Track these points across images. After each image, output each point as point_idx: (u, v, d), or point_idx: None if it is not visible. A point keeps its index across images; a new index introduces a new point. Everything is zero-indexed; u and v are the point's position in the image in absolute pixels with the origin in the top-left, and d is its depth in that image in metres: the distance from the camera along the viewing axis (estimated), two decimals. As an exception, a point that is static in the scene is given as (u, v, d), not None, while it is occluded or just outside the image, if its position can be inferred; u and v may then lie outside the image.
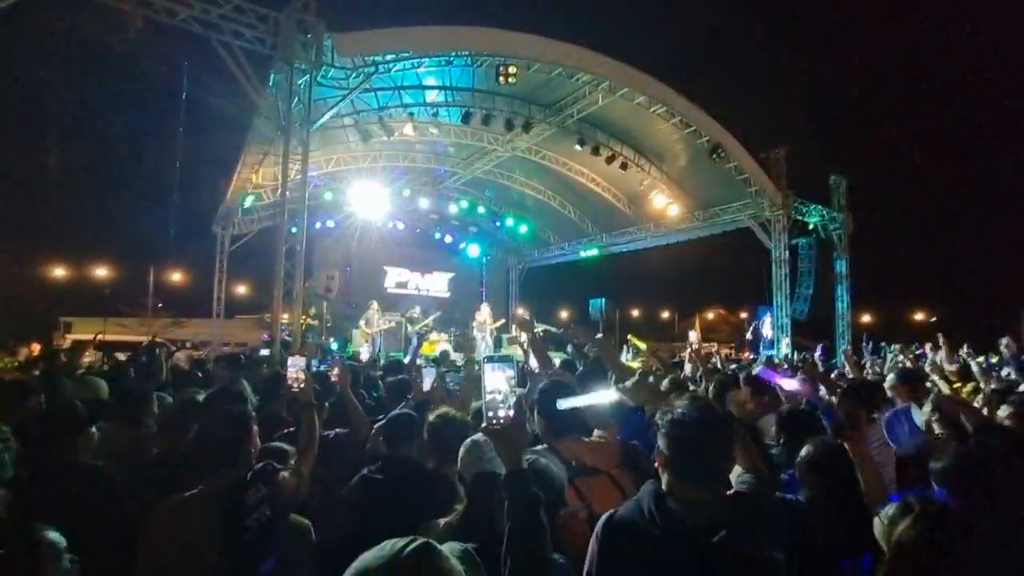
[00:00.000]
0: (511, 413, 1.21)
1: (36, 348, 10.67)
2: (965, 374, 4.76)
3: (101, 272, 22.65)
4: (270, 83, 8.99)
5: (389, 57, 9.63)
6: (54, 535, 1.33)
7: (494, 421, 1.21)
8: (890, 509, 1.43)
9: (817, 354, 7.44)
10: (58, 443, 2.21)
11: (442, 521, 1.52)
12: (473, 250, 20.77)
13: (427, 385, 3.24)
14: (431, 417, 2.16)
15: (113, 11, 6.97)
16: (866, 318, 27.14)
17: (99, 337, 7.97)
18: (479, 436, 1.62)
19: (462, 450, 1.67)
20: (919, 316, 32.93)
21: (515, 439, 1.21)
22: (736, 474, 1.41)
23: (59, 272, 22.85)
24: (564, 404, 1.56)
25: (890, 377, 3.65)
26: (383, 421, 2.26)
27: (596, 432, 2.04)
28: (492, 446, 1.32)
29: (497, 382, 1.24)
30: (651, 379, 3.80)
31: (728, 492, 1.35)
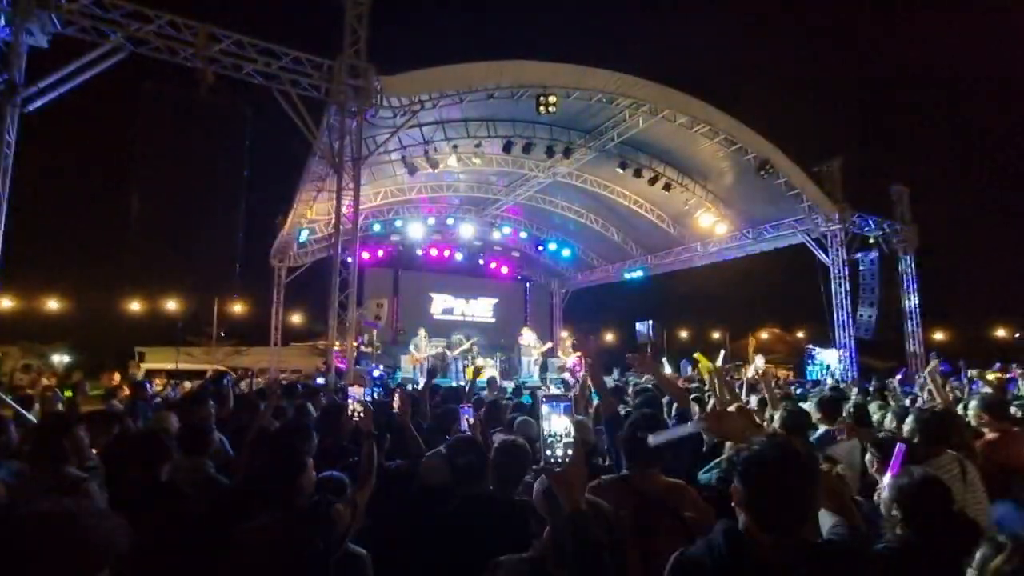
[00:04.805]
0: (570, 452, 1.20)
1: (116, 377, 11.55)
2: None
3: (172, 305, 24.29)
4: (324, 125, 9.57)
5: (435, 95, 10.06)
6: None
7: (552, 461, 1.20)
8: (981, 550, 1.33)
9: (897, 379, 7.02)
10: (147, 470, 2.37)
11: (519, 556, 1.50)
12: (517, 275, 20.93)
13: (462, 426, 3.06)
14: (495, 445, 2.19)
15: (188, 70, 7.69)
16: (939, 335, 25.11)
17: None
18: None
19: (538, 487, 1.66)
20: (1000, 333, 30.13)
21: (574, 480, 1.19)
22: (829, 524, 1.32)
23: (135, 306, 24.70)
24: (655, 440, 1.54)
25: (973, 404, 3.38)
26: (447, 451, 2.23)
27: None
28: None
29: (555, 422, 1.23)
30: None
31: (816, 539, 1.30)
